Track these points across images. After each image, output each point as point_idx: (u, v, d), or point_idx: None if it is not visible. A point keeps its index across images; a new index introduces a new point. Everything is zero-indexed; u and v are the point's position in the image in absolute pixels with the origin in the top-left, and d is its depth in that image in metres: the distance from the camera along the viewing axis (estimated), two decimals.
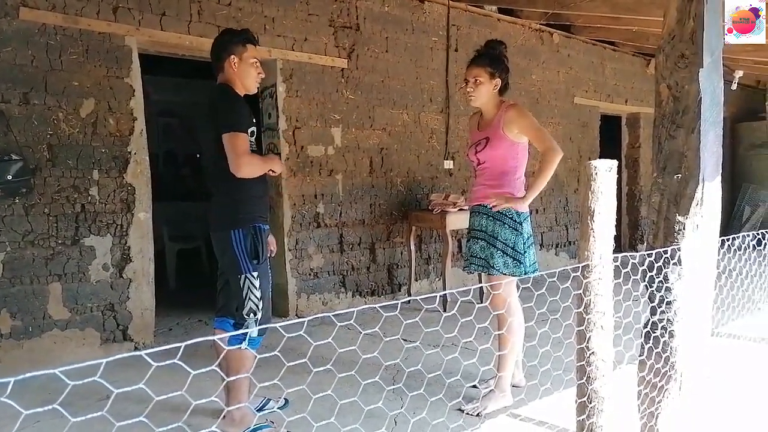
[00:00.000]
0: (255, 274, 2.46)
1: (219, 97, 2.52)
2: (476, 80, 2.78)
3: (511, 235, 2.76)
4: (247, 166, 2.41)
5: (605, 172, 1.60)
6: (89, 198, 3.62)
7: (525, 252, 2.77)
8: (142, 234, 3.84)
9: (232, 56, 2.52)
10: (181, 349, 1.01)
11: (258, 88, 2.67)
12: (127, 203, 3.77)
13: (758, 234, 3.00)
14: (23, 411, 0.90)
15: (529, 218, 2.84)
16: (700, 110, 2.00)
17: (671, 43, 2.07)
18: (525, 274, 2.74)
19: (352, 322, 2.47)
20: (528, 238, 2.81)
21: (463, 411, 2.72)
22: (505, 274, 2.76)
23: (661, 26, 2.12)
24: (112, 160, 3.71)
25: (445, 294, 4.61)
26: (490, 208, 2.80)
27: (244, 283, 2.45)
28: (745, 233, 2.98)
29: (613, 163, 1.64)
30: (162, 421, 1.38)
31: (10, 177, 3.27)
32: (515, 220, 2.77)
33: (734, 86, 8.32)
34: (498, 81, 2.80)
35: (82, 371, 0.96)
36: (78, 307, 3.59)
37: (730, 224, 9.47)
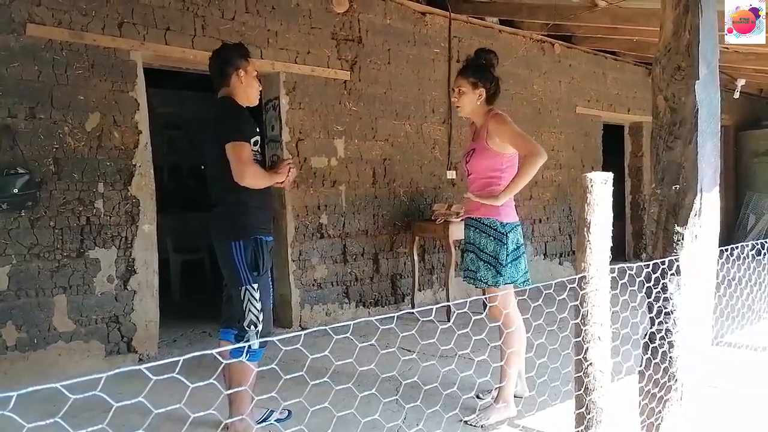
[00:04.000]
0: (255, 286, 2.48)
1: (222, 109, 2.57)
2: (459, 90, 2.84)
3: (495, 246, 2.78)
4: (252, 176, 2.44)
5: (600, 184, 1.61)
6: (94, 210, 3.66)
7: (507, 264, 2.77)
8: (147, 246, 3.87)
9: (240, 69, 2.58)
10: (181, 362, 1.03)
11: (260, 99, 2.72)
12: (131, 215, 3.81)
13: (757, 244, 3.00)
14: (26, 424, 0.92)
15: (518, 228, 2.84)
16: (697, 121, 2.02)
17: (667, 55, 2.09)
18: (501, 285, 2.75)
19: (350, 334, 2.49)
20: (514, 250, 2.81)
21: (466, 422, 2.72)
22: (490, 286, 2.78)
23: (658, 38, 2.15)
24: (117, 173, 3.75)
25: (449, 305, 4.65)
26: (476, 220, 2.83)
27: (244, 295, 2.47)
28: (744, 243, 2.98)
29: (609, 176, 1.65)
30: None
31: (16, 190, 3.31)
32: (499, 231, 2.78)
33: (737, 95, 8.32)
34: (482, 91, 2.82)
35: (86, 384, 0.98)
36: (83, 319, 3.61)
37: (735, 233, 9.43)
